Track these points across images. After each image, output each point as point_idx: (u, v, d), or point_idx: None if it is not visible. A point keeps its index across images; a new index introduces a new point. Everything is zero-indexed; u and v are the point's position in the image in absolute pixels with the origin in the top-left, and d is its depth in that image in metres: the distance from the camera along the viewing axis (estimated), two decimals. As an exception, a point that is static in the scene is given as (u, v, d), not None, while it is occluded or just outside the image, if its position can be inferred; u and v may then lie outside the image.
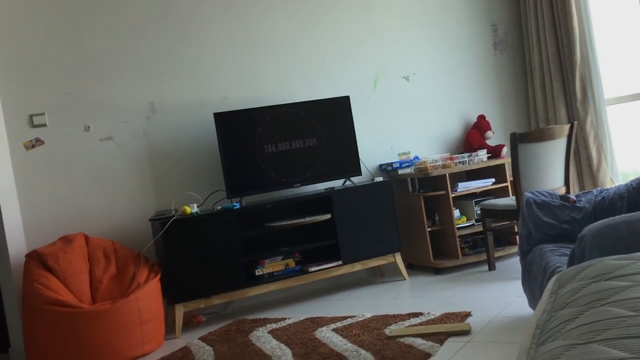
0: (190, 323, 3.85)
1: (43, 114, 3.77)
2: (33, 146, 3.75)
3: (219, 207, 3.86)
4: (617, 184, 4.19)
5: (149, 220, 3.84)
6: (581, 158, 4.66)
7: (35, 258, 3.42)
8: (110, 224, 3.87)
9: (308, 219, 3.92)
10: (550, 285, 1.36)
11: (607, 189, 3.05)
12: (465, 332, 2.88)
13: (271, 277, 3.87)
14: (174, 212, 3.72)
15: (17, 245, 3.62)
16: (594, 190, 3.07)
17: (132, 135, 3.97)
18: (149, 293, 3.41)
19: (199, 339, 3.46)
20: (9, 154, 3.68)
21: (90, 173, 3.87)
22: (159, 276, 3.55)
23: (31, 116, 3.75)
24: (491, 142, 4.74)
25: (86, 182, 3.86)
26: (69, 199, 3.80)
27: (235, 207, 3.79)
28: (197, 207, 3.82)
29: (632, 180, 2.97)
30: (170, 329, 3.65)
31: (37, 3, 3.78)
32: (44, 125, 3.78)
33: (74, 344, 3.17)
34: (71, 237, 3.56)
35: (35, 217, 3.72)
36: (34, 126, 3.75)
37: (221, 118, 3.92)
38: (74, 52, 3.85)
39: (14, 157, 3.70)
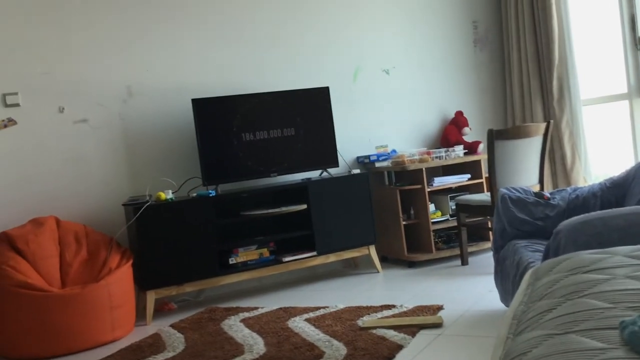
0: (161, 310, 3.81)
1: (16, 94, 3.68)
2: (5, 126, 3.66)
3: (194, 194, 3.82)
4: (589, 183, 4.26)
5: (123, 205, 3.78)
6: (555, 156, 4.72)
7: (5, 240, 3.34)
8: (82, 208, 3.80)
9: (284, 209, 3.91)
10: (527, 277, 1.36)
11: (581, 188, 3.09)
12: (437, 325, 2.90)
13: (245, 266, 3.85)
14: (148, 198, 3.67)
15: (-14, 227, 3.53)
16: (568, 188, 3.11)
17: (107, 119, 3.90)
18: (120, 278, 3.37)
19: (170, 326, 3.42)
20: (-21, 133, 3.59)
21: (63, 155, 3.79)
22: (131, 262, 3.50)
23: (4, 95, 3.66)
24: (468, 138, 4.77)
25: (59, 164, 3.78)
26: (40, 181, 3.73)
27: (210, 195, 3.76)
28: (172, 193, 3.78)
29: (605, 180, 3.02)
30: (141, 316, 3.61)
31: (12, -21, 3.68)
32: (17, 105, 3.69)
33: (43, 328, 3.11)
34: (42, 219, 3.49)
35: (5, 198, 3.63)
36: (7, 106, 3.66)
37: (199, 104, 3.87)
38: (51, 31, 3.77)
39: (-15, 137, 3.61)
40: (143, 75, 4.00)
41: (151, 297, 3.60)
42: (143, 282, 3.59)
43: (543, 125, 3.81)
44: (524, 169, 3.79)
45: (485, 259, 4.22)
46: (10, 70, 3.67)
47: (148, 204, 3.57)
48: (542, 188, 3.85)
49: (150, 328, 3.48)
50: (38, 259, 3.33)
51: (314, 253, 3.99)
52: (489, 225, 4.23)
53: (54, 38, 3.78)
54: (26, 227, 3.42)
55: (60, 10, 3.79)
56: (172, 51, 4.08)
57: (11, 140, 3.67)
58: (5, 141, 3.66)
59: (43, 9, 3.75)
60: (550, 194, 3.06)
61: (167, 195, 3.71)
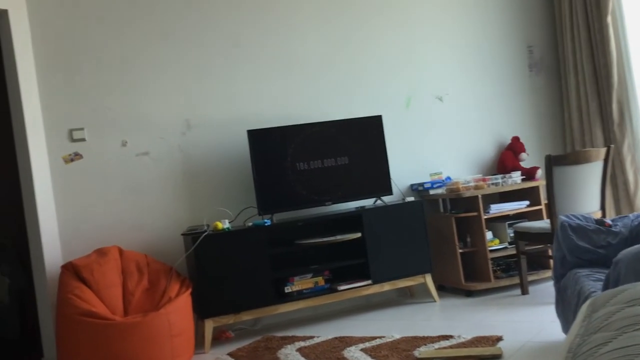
0: (219, 338, 3.87)
1: (82, 129, 3.87)
2: (72, 160, 3.84)
3: (250, 224, 3.89)
4: (655, 209, 4.10)
5: (182, 234, 3.89)
6: (618, 182, 4.57)
7: (71, 269, 3.48)
8: (144, 238, 3.93)
9: (338, 237, 3.92)
10: (583, 308, 1.33)
11: (645, 214, 2.98)
12: (497, 357, 2.83)
13: (300, 295, 3.87)
14: (205, 228, 3.76)
15: (53, 257, 3.70)
16: (630, 215, 3.01)
17: (167, 151, 4.04)
18: (180, 307, 3.44)
19: (228, 354, 3.47)
20: (49, 167, 3.78)
21: (126, 187, 3.94)
22: (189, 290, 3.58)
23: (71, 130, 3.85)
24: (525, 164, 4.69)
25: (122, 196, 3.93)
26: (104, 213, 3.88)
27: (266, 224, 3.82)
28: (229, 222, 3.86)
29: (670, 205, 2.91)
30: (199, 344, 3.67)
31: (78, 20, 3.89)
32: (83, 139, 3.87)
33: (106, 356, 3.21)
34: (106, 249, 3.62)
35: (71, 229, 3.80)
36: (74, 140, 3.85)
37: (254, 135, 3.97)
38: (114, 68, 3.95)
39: (53, 171, 3.80)
40: (201, 108, 4.13)
41: (209, 325, 3.66)
42: (201, 310, 3.66)
43: (603, 150, 3.71)
44: (585, 195, 3.69)
45: (546, 288, 4.10)
46: (76, 106, 3.87)
47: (206, 233, 3.66)
48: (604, 215, 3.74)
49: (209, 356, 3.53)
50: (102, 288, 3.45)
51: (369, 281, 3.98)
52: (549, 253, 4.12)
53: (117, 75, 3.96)
54: (91, 257, 3.56)
55: (123, 47, 3.98)
56: (228, 84, 4.20)
57: (77, 174, 3.85)
58: (72, 174, 3.84)
59: (107, 47, 3.94)
60: (612, 221, 2.97)
61: (224, 224, 3.80)
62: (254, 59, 4.28)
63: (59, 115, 3.83)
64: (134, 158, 3.98)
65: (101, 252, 3.60)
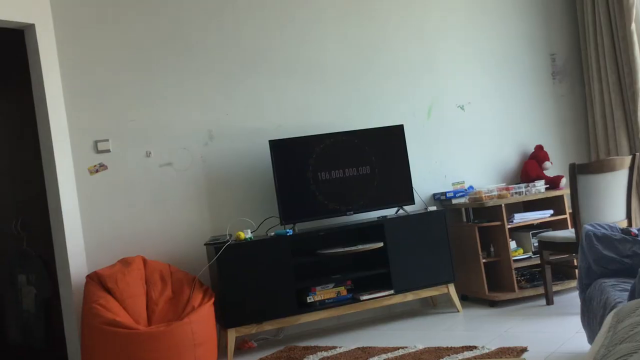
0: (241, 348, 3.88)
1: (107, 140, 3.93)
2: (97, 171, 3.90)
3: (272, 233, 3.91)
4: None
5: (204, 244, 3.92)
6: (645, 190, 4.50)
7: (95, 279, 3.53)
8: (167, 248, 3.96)
9: (360, 247, 3.92)
10: (608, 319, 1.32)
11: (672, 223, 2.93)
12: (521, 368, 2.80)
13: (322, 305, 3.87)
14: (228, 237, 3.78)
15: (79, 266, 3.75)
16: (658, 224, 2.97)
17: (190, 162, 4.08)
18: (203, 317, 3.46)
19: (250, 364, 3.48)
20: (74, 178, 3.84)
21: (149, 198, 3.99)
22: (212, 300, 3.60)
23: (96, 142, 3.91)
24: (549, 173, 4.64)
25: (146, 206, 3.98)
26: (129, 223, 3.93)
27: (288, 234, 3.83)
28: (251, 232, 3.88)
29: (699, 214, 2.86)
30: (222, 354, 3.69)
31: (103, 33, 3.96)
32: (108, 151, 3.93)
33: (129, 365, 3.24)
34: (130, 259, 3.66)
35: (96, 239, 3.85)
36: (99, 152, 3.91)
37: (276, 145, 3.99)
38: (138, 80, 4.01)
39: (79, 181, 3.86)
40: (223, 119, 4.17)
41: (232, 335, 3.67)
42: (224, 320, 3.68)
43: (629, 158, 3.66)
44: (610, 204, 3.64)
45: (571, 298, 4.05)
46: (101, 119, 3.93)
47: (228, 243, 3.68)
48: (630, 224, 3.68)
49: (231, 366, 3.54)
50: (126, 298, 3.48)
51: (392, 291, 3.96)
52: (575, 263, 4.06)
53: (141, 87, 4.02)
54: (115, 267, 3.60)
55: (145, 61, 4.03)
56: (250, 95, 4.24)
57: (102, 185, 3.90)
58: (97, 185, 3.89)
59: (131, 60, 4.00)
60: (638, 230, 2.92)
61: (247, 234, 3.81)
62: (276, 70, 4.31)
63: (84, 127, 3.89)
64: (158, 169, 4.03)
65: (125, 262, 3.64)
